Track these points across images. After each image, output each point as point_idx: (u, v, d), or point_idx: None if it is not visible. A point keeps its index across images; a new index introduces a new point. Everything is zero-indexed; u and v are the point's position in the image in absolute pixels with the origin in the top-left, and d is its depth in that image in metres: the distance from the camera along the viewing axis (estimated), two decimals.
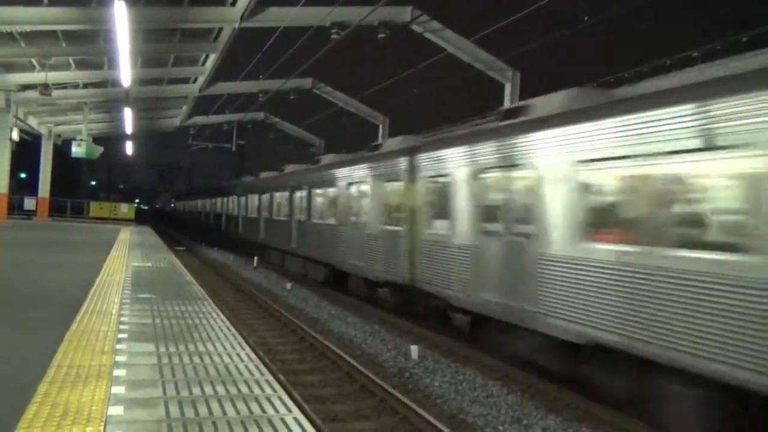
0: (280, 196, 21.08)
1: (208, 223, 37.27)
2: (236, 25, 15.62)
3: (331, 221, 15.24)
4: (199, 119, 32.75)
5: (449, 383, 8.28)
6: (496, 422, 6.90)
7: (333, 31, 15.82)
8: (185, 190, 66.53)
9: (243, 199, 27.17)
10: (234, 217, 29.11)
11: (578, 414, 7.20)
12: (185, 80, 23.86)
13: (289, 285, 17.68)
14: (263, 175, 26.13)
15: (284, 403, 4.29)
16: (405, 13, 16.64)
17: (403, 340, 10.75)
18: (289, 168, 22.53)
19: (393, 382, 8.21)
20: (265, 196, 23.07)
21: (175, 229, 48.07)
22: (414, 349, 9.69)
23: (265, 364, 5.67)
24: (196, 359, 5.30)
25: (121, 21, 11.48)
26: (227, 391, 4.46)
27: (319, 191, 16.63)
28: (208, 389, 4.48)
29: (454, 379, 8.45)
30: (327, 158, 17.59)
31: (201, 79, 22.79)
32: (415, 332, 11.39)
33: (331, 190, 15.49)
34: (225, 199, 31.89)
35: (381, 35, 16.42)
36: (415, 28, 17.01)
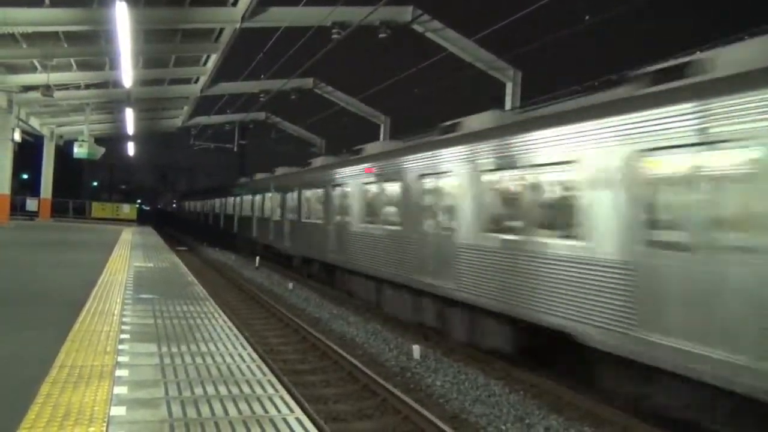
0: (379, 191, 12.55)
1: (231, 231, 29.75)
2: (237, 26, 15.62)
3: (569, 239, 7.21)
4: (201, 119, 32.77)
5: (451, 383, 8.28)
6: (498, 422, 6.90)
7: (334, 31, 15.83)
8: (196, 189, 58.48)
9: (292, 196, 19.34)
10: (276, 223, 21.24)
11: (580, 413, 7.20)
12: (187, 80, 23.87)
13: (290, 285, 17.68)
14: (319, 162, 18.58)
15: (286, 403, 4.30)
16: (406, 13, 16.64)
17: (405, 339, 10.75)
18: (379, 146, 14.25)
19: (395, 382, 8.21)
20: (352, 191, 13.96)
21: (184, 234, 43.74)
22: (416, 349, 9.69)
23: (267, 364, 5.68)
24: (198, 359, 5.31)
25: (122, 22, 11.49)
26: (229, 391, 4.47)
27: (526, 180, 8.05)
28: (210, 389, 4.48)
29: (456, 379, 8.44)
30: (486, 118, 9.87)
31: (202, 80, 22.80)
32: (416, 332, 11.38)
33: (568, 174, 7.30)
34: (259, 197, 24.45)
35: (382, 35, 16.42)
36: (416, 27, 17.01)
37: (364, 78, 26.36)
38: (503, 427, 6.74)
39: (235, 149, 35.32)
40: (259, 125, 33.85)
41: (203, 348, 5.74)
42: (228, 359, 5.39)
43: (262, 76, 23.63)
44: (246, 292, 16.50)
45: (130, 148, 35.78)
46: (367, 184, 13.28)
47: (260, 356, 5.80)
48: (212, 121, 32.94)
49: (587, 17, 12.55)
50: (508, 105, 17.07)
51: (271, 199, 22.26)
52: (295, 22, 15.91)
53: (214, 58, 19.67)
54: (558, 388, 7.92)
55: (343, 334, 11.45)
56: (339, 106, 26.06)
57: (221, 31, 17.06)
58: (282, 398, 4.41)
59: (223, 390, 4.49)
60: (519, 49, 16.29)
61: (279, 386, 4.71)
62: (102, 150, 26.49)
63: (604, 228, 6.59)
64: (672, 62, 6.57)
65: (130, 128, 27.42)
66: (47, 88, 18.24)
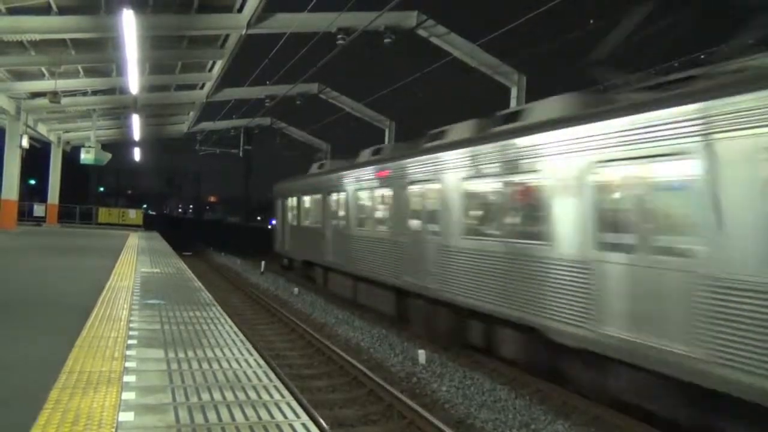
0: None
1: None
2: (243, 32, 15.71)
3: None
4: (207, 125, 32.89)
5: (457, 387, 8.28)
6: (504, 427, 6.89)
7: (339, 36, 15.89)
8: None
9: None
10: None
11: (587, 419, 7.18)
12: (192, 86, 24.00)
13: (296, 290, 17.73)
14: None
15: (292, 409, 4.31)
16: (411, 18, 16.68)
17: (411, 344, 10.75)
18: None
19: (401, 387, 8.22)
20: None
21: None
22: (421, 354, 9.70)
23: (273, 370, 5.70)
24: (205, 365, 5.34)
25: (129, 29, 11.59)
26: (236, 397, 4.49)
27: None
28: (217, 395, 4.51)
29: (462, 384, 8.44)
30: None
31: (208, 86, 22.92)
32: (422, 337, 11.39)
33: None
34: None
35: (387, 40, 16.47)
36: (421, 32, 17.05)
37: (370, 83, 26.40)
38: None
39: (241, 154, 35.45)
40: (265, 130, 33.95)
41: (210, 353, 5.77)
42: (234, 365, 5.42)
43: (268, 82, 23.73)
44: (252, 297, 16.54)
45: (137, 154, 35.97)
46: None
47: (266, 361, 5.82)
48: (218, 127, 33.06)
49: (592, 20, 12.56)
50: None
51: None
52: (300, 28, 15.99)
53: (219, 64, 19.78)
54: (565, 394, 7.90)
55: (349, 338, 11.47)
56: (344, 111, 26.13)
57: (227, 37, 17.16)
58: (288, 404, 4.42)
59: (229, 395, 4.52)
60: (524, 53, 16.34)
61: (285, 392, 4.73)
62: (109, 156, 26.62)
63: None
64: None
65: (137, 134, 27.57)
66: (55, 95, 18.37)
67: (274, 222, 26.75)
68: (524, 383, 8.51)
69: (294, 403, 4.44)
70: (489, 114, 10.68)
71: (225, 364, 5.41)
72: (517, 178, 8.45)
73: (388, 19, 15.88)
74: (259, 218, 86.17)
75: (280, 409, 4.29)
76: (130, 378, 4.78)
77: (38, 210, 33.52)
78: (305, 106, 25.71)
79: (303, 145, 33.58)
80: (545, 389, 8.19)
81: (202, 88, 23.77)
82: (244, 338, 6.53)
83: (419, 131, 13.11)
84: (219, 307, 8.56)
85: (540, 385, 8.33)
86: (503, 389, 8.24)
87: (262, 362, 5.58)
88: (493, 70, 17.55)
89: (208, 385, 4.72)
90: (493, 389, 8.22)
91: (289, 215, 21.56)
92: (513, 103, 17.38)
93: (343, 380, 8.76)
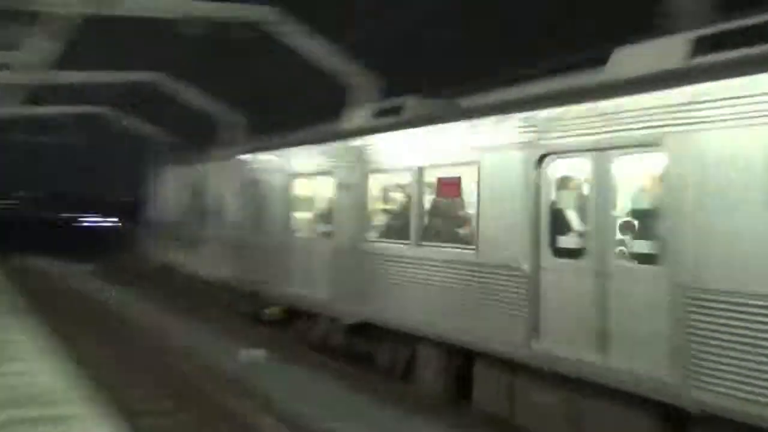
0: None
1: None
2: (80, 12, 14.41)
3: None
4: (37, 110, 29.62)
5: (290, 385, 8.37)
6: (334, 419, 7.06)
7: (181, 24, 15.26)
8: None
9: None
10: None
11: (412, 406, 7.54)
12: (10, 67, 21.43)
13: (113, 292, 17.06)
14: None
15: (102, 424, 4.10)
16: (261, 12, 16.43)
17: (243, 344, 10.54)
18: None
19: (231, 388, 8.07)
20: None
21: None
22: (254, 354, 9.66)
23: (85, 381, 5.37)
24: (4, 380, 4.87)
25: None
26: (35, 413, 4.16)
27: None
28: (17, 412, 4.14)
29: (296, 382, 8.56)
30: None
31: (35, 67, 20.62)
32: (252, 337, 11.22)
33: None
34: None
35: (238, 34, 16.14)
36: (269, 28, 16.85)
37: (215, 74, 25.40)
38: (338, 425, 6.91)
39: (73, 144, 32.68)
40: (99, 119, 31.46)
41: (13, 368, 5.28)
42: (40, 378, 5.01)
43: (105, 70, 22.02)
44: (69, 301, 15.43)
45: None
46: None
47: (76, 372, 5.45)
48: (47, 113, 29.97)
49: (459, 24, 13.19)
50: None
51: None
52: (142, 12, 15.08)
53: (50, 45, 17.91)
54: (396, 386, 8.20)
55: (175, 340, 11.01)
56: (186, 103, 25.01)
57: (59, 17, 15.60)
58: (97, 417, 4.21)
59: (28, 412, 4.17)
60: (377, 55, 16.80)
61: (95, 404, 4.49)
62: None
63: None
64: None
65: None
66: None
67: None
68: (357, 377, 8.75)
69: (107, 416, 4.24)
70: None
71: (28, 378, 4.98)
72: None
73: (234, 10, 15.55)
74: (66, 214, 77.99)
75: (88, 423, 4.07)
76: None
77: None
78: (145, 96, 24.31)
79: (140, 138, 31.70)
80: (373, 380, 8.47)
81: (26, 69, 21.34)
82: (54, 347, 6.06)
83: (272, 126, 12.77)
84: (26, 314, 7.84)
85: (366, 376, 8.60)
86: (333, 382, 8.49)
87: (71, 373, 5.23)
88: (339, 70, 17.81)
89: (7, 402, 4.32)
90: (324, 383, 8.46)
91: (303, 217, 10.62)
92: (366, 102, 17.65)
93: (171, 387, 8.32)
